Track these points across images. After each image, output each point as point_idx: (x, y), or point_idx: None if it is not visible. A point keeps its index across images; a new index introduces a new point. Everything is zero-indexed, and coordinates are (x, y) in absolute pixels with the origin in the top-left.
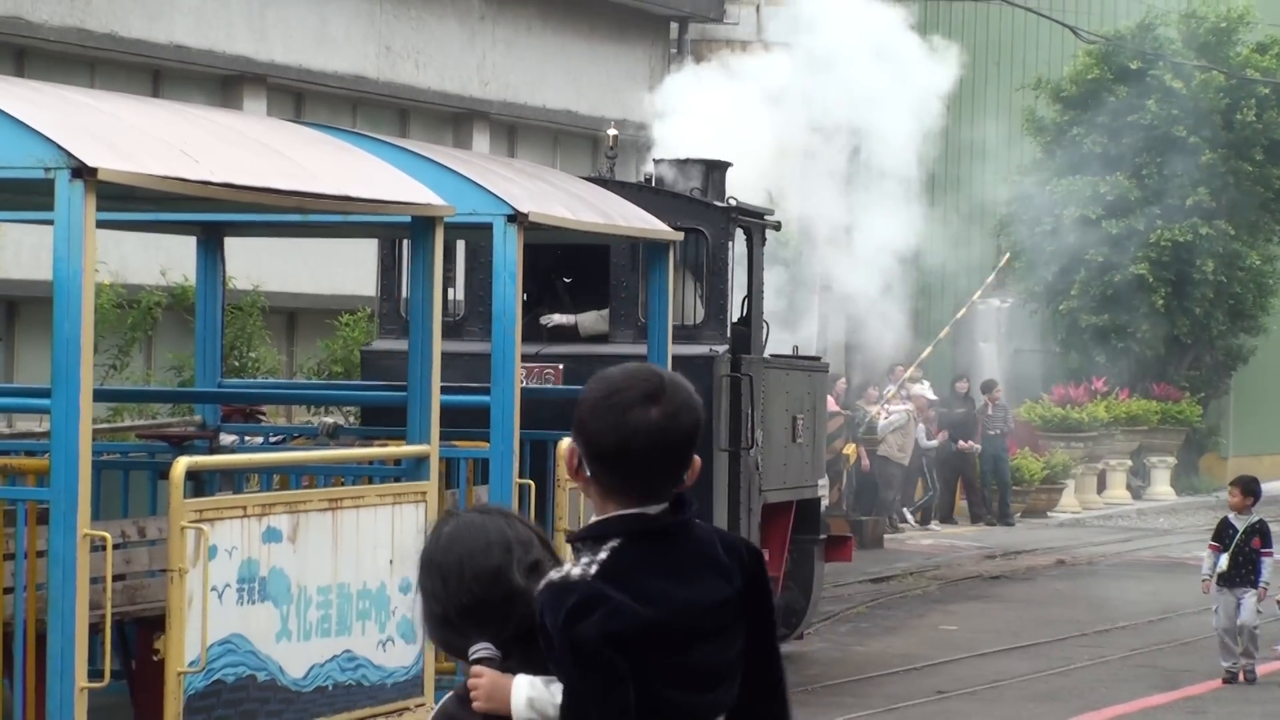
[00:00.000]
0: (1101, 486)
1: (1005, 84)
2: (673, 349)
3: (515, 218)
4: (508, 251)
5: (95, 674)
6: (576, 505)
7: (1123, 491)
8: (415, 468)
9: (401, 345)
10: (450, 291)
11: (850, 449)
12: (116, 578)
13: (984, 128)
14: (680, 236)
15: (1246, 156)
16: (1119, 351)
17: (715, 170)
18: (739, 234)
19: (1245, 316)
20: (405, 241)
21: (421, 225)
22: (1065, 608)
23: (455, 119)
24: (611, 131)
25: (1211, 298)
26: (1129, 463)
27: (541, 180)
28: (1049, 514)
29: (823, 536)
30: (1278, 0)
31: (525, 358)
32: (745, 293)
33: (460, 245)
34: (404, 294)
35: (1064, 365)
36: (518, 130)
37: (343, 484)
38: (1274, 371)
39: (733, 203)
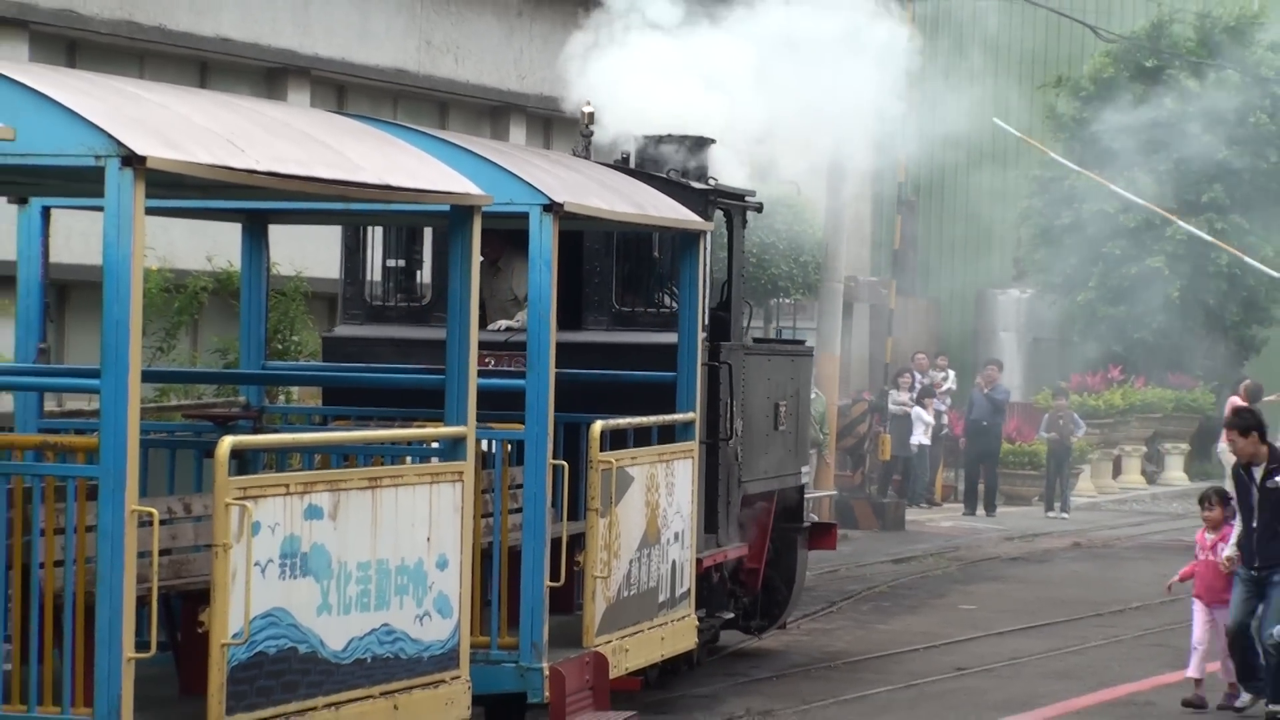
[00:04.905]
0: (1117, 471)
1: (1028, 82)
2: (648, 336)
3: (551, 207)
4: (543, 240)
5: (142, 645)
6: (609, 486)
7: (1137, 476)
8: (452, 448)
9: (365, 332)
10: (418, 275)
11: (885, 440)
12: (163, 552)
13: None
14: (711, 226)
15: (1261, 154)
16: (1135, 341)
17: (697, 148)
18: (718, 216)
19: (1258, 308)
20: (371, 228)
21: (460, 214)
22: (1080, 589)
23: (493, 111)
24: (586, 109)
25: (1225, 290)
26: (1144, 449)
27: (576, 171)
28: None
29: (806, 525)
30: None
31: (495, 345)
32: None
33: (428, 231)
34: (369, 278)
35: (1082, 354)
36: (553, 123)
37: (382, 463)
38: None
39: (712, 183)
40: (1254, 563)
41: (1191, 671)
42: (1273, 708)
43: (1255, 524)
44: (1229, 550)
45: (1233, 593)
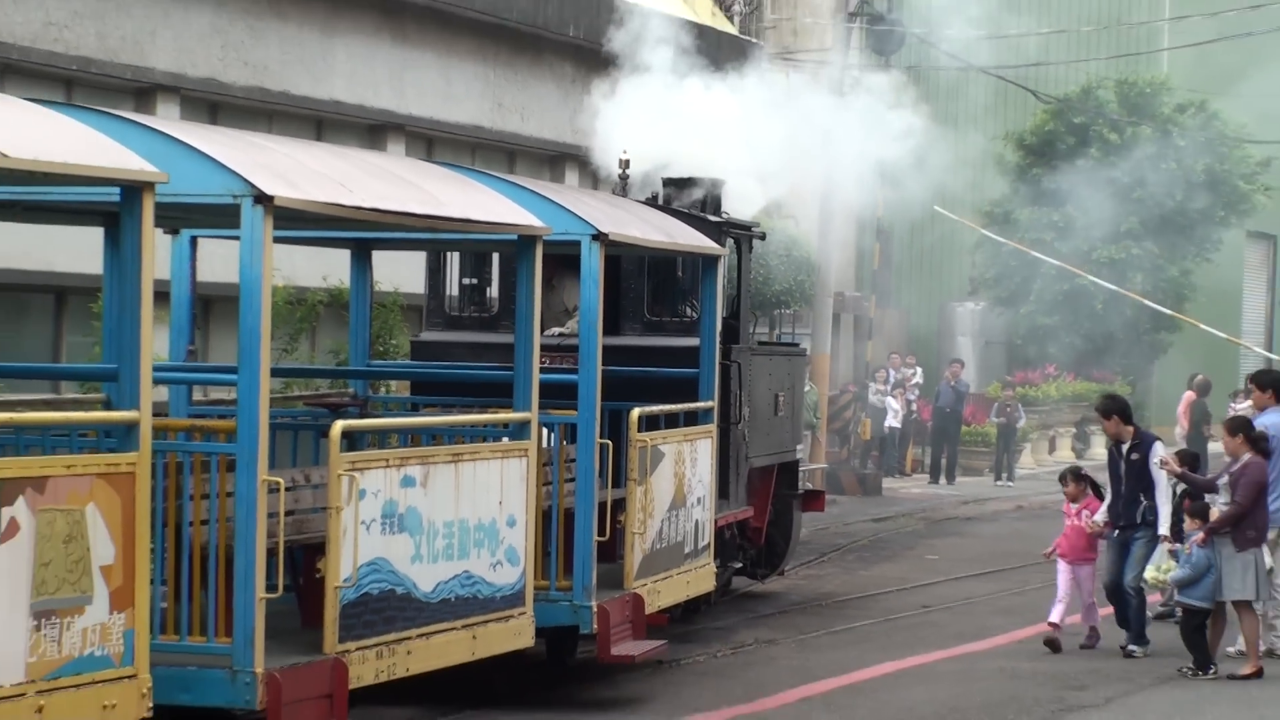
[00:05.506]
0: (1052, 448)
1: (981, 135)
2: (673, 340)
3: (599, 236)
4: (592, 263)
5: (271, 587)
6: (644, 460)
7: (1068, 453)
8: (519, 430)
9: (445, 337)
10: (487, 290)
11: (865, 423)
12: (287, 513)
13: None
14: (727, 252)
15: (1169, 194)
16: (1066, 344)
17: (712, 186)
18: (729, 243)
19: (1164, 319)
20: (450, 252)
21: (525, 242)
22: (1022, 542)
23: (552, 160)
24: (624, 156)
25: (1139, 304)
26: (1074, 430)
27: (619, 208)
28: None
29: (800, 492)
30: (1194, 67)
31: (550, 347)
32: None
33: (495, 255)
34: (448, 293)
35: (1024, 355)
36: (601, 170)
37: (463, 442)
38: (1187, 359)
39: (725, 216)
40: (1119, 522)
41: (1054, 618)
42: (1132, 647)
43: (1122, 491)
44: (1099, 516)
45: (1107, 555)
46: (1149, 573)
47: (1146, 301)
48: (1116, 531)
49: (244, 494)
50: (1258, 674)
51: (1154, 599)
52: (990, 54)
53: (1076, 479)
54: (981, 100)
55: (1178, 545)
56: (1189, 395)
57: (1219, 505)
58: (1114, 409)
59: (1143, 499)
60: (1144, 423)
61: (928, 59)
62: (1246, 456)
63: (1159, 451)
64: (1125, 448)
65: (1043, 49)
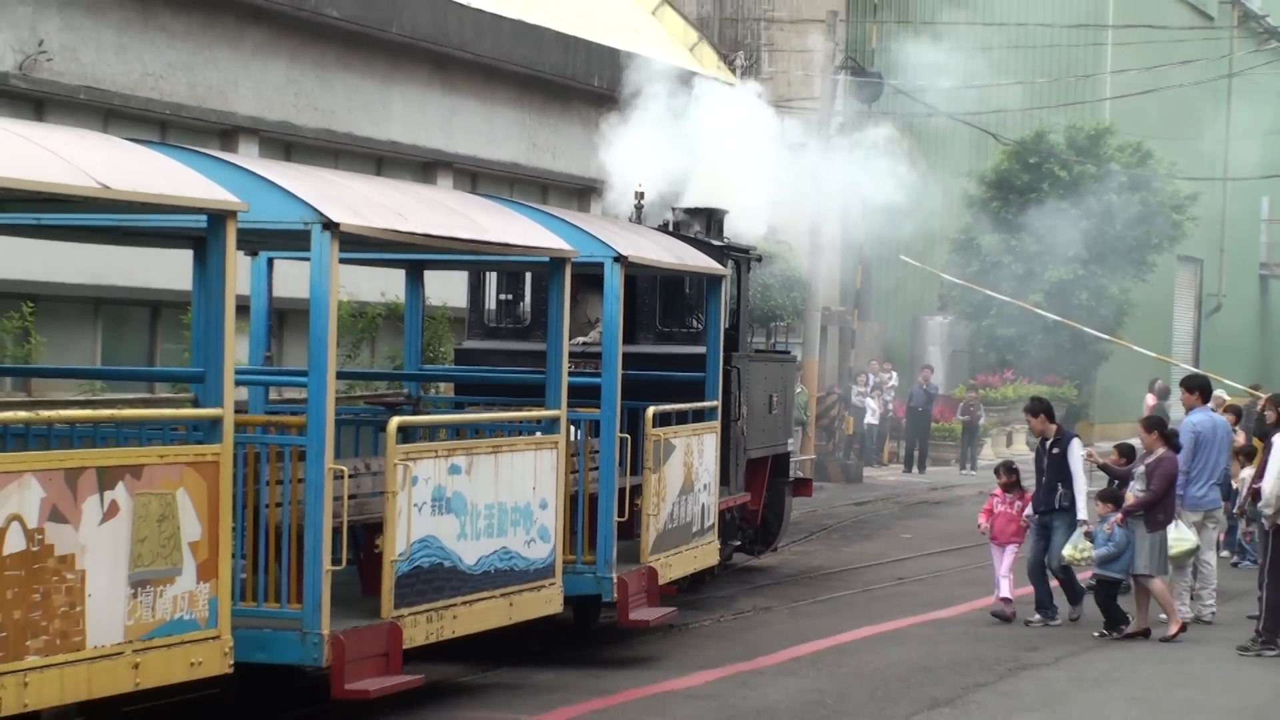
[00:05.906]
0: (1009, 442)
1: (950, 172)
2: (681, 348)
3: (619, 259)
4: (613, 282)
5: (336, 561)
6: (658, 452)
7: (1023, 446)
8: (550, 425)
9: (485, 345)
10: (521, 305)
11: (848, 420)
12: (350, 497)
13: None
14: (729, 272)
15: (1109, 223)
16: (1021, 353)
17: (716, 215)
18: (731, 265)
19: (1106, 331)
20: (488, 271)
21: (556, 263)
22: None
23: (579, 192)
24: (638, 189)
25: (1084, 318)
26: (1028, 426)
27: (634, 233)
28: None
29: (791, 479)
30: (1136, 115)
31: (576, 354)
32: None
33: (528, 275)
34: (487, 307)
35: (985, 361)
36: (621, 201)
37: (502, 436)
38: (1125, 367)
39: (727, 241)
40: (1040, 508)
41: (1003, 593)
42: (1072, 610)
43: (1043, 480)
44: (1029, 510)
45: (1030, 539)
46: (1066, 550)
47: (1084, 329)
48: (1038, 516)
49: (313, 480)
50: (1182, 629)
51: (1084, 575)
52: (961, 103)
53: (1009, 471)
54: (956, 143)
55: (1094, 528)
56: (1151, 399)
57: (1134, 491)
58: (1040, 409)
59: (1060, 487)
60: (1088, 419)
61: (904, 106)
62: (1160, 451)
63: (1077, 448)
64: (1048, 443)
65: (1005, 99)
